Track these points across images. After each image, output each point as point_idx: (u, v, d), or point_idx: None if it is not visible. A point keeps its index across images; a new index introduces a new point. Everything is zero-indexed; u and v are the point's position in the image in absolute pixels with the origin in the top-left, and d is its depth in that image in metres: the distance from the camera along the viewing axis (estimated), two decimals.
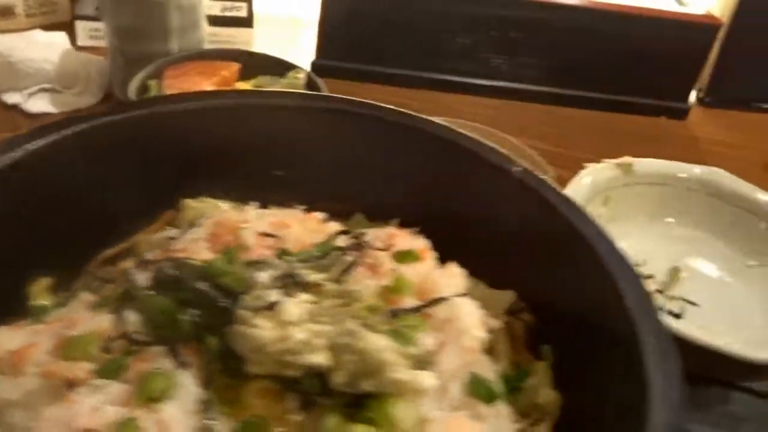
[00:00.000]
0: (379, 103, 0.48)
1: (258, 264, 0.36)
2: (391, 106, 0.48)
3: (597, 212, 0.66)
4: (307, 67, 1.04)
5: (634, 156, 1.03)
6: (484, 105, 1.07)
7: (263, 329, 0.31)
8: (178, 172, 0.48)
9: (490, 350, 0.41)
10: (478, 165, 0.45)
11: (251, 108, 0.50)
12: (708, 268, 0.66)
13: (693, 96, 1.13)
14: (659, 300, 0.61)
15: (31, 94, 0.82)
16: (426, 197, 0.48)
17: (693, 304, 0.62)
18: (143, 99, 0.66)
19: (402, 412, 0.32)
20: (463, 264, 0.43)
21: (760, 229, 0.64)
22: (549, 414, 0.38)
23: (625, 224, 0.68)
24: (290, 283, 0.34)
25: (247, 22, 1.05)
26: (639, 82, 1.07)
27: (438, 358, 0.35)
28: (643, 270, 0.63)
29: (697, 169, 0.66)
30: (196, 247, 0.41)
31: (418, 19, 1.02)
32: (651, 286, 0.62)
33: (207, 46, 0.99)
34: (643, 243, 0.67)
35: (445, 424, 0.33)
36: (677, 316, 0.59)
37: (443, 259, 0.44)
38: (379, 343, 0.31)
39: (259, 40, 1.13)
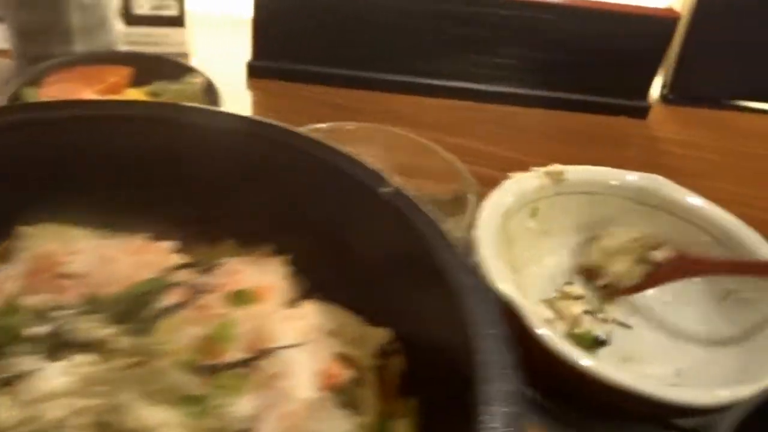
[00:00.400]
0: (243, 114, 0.42)
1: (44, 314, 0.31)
2: (261, 118, 0.42)
3: (525, 225, 0.60)
4: (244, 69, 0.99)
5: (593, 159, 0.97)
6: (435, 107, 1.01)
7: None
8: (19, 194, 0.42)
9: (351, 401, 0.35)
10: (348, 184, 0.39)
11: (108, 119, 0.44)
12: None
13: (656, 93, 1.07)
14: (587, 323, 0.55)
15: None
16: (300, 220, 0.42)
17: (626, 326, 0.56)
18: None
19: None
20: (343, 296, 0.38)
21: (703, 241, 0.58)
22: None
23: (559, 237, 0.62)
24: (58, 344, 0.28)
25: (178, 21, 0.99)
26: (597, 80, 1.01)
27: (258, 427, 0.29)
28: (572, 290, 0.58)
29: (633, 176, 0.60)
30: (10, 286, 0.35)
31: (363, 15, 0.96)
32: (579, 308, 0.56)
33: (129, 47, 0.93)
34: (575, 258, 0.61)
35: None
36: (602, 342, 0.53)
37: (322, 289, 0.38)
38: (154, 419, 0.25)
39: (197, 41, 1.07)
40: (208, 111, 0.42)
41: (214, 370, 0.30)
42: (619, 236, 0.54)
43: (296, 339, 0.32)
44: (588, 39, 0.97)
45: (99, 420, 0.25)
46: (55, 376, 0.26)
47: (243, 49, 0.99)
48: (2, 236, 0.42)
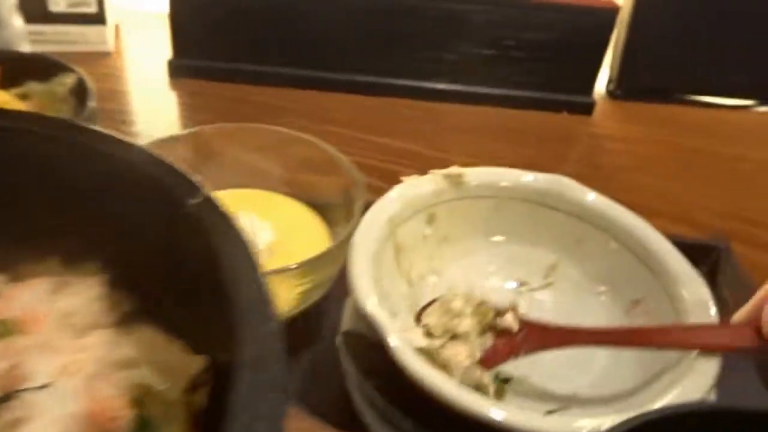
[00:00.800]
0: (45, 114, 0.38)
1: None
2: (64, 118, 0.38)
3: (423, 232, 0.56)
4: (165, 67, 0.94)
5: (533, 157, 0.93)
6: (371, 106, 0.97)
7: None
8: None
9: None
10: (157, 194, 0.35)
11: None
12: (551, 296, 0.55)
13: (602, 89, 1.03)
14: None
15: None
16: (122, 233, 0.38)
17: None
18: None
19: None
20: (171, 315, 0.34)
21: (610, 249, 0.54)
22: None
23: (461, 244, 0.58)
24: None
25: (98, 18, 0.95)
26: (540, 76, 0.97)
27: None
28: (458, 324, 0.53)
29: (535, 178, 0.55)
30: None
31: (292, 9, 0.92)
32: (464, 353, 0.51)
33: (44, 47, 0.89)
34: (475, 269, 0.56)
35: None
36: (507, 380, 0.49)
37: (150, 309, 0.34)
38: None
39: (123, 39, 1.03)
40: (12, 115, 0.37)
41: None
42: (459, 300, 0.48)
43: (51, 377, 0.28)
44: (530, 33, 0.93)
45: None
46: None
47: (167, 46, 0.95)
48: None
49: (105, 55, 0.95)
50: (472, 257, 0.57)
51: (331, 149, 0.58)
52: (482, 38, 0.92)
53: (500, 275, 0.56)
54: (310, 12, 0.90)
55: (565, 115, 0.96)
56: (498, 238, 0.56)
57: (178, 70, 0.92)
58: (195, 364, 0.34)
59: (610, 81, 1.00)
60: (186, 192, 0.34)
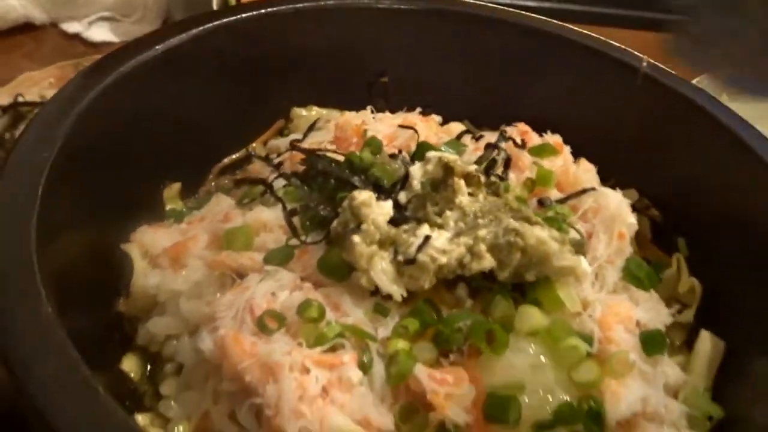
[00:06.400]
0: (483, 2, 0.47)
1: (398, 156, 0.36)
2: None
3: None
4: None
5: None
6: None
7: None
8: (285, 80, 0.47)
9: None
10: (604, 63, 0.44)
11: (357, 10, 0.48)
12: None
13: None
14: None
15: (90, 23, 0.80)
16: (541, 101, 0.47)
17: None
18: (241, 5, 0.60)
19: (566, 294, 0.32)
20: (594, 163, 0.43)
21: None
22: (691, 301, 0.38)
23: None
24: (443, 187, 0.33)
25: None
26: None
27: (591, 245, 0.35)
28: None
29: None
30: (322, 148, 0.41)
31: None
32: None
33: None
34: None
35: (605, 305, 0.33)
36: None
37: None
38: (541, 236, 0.31)
39: None
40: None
41: (542, 205, 0.36)
42: None
43: (595, 184, 0.38)
44: None
45: (495, 243, 0.31)
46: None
47: None
48: (277, 116, 0.48)
49: None
50: None
51: None
52: None
53: None
54: None
55: None
56: None
57: None
58: (630, 195, 0.44)
59: None
60: (633, 60, 0.43)
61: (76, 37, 0.79)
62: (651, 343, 0.33)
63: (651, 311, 0.34)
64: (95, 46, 0.79)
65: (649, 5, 1.04)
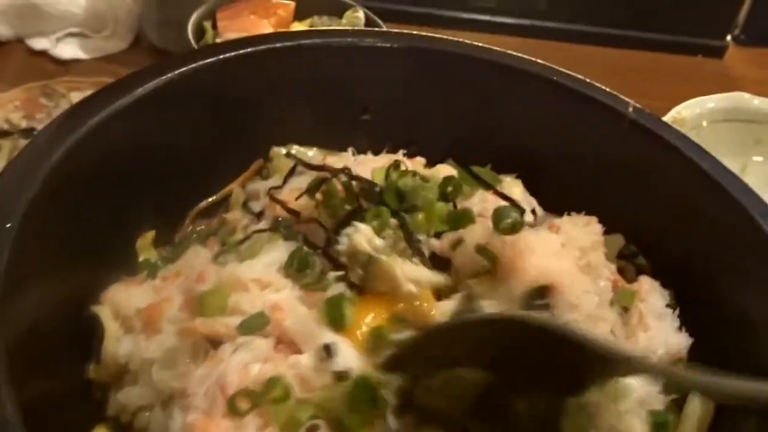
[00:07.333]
0: (467, 41, 0.46)
1: None
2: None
3: None
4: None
5: (669, 96, 1.01)
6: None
7: None
8: (266, 120, 0.46)
9: None
10: (588, 105, 0.43)
11: (338, 49, 0.47)
12: None
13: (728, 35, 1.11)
14: None
15: (59, 39, 0.77)
16: (526, 139, 0.46)
17: None
18: (219, 44, 0.59)
19: None
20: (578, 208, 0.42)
21: None
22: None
23: None
24: None
25: None
26: (673, 19, 1.05)
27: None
28: None
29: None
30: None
31: None
32: None
33: None
34: None
35: None
36: None
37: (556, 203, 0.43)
38: None
39: None
40: (437, 40, 0.45)
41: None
42: None
43: None
44: None
45: None
46: None
47: None
48: (256, 156, 0.46)
49: None
50: None
51: None
52: None
53: None
54: None
55: (698, 57, 1.04)
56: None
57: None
58: (617, 241, 0.44)
59: (735, 27, 1.08)
60: (619, 105, 0.43)
61: (44, 54, 0.76)
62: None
63: None
64: (63, 63, 0.76)
65: (637, 24, 1.04)
